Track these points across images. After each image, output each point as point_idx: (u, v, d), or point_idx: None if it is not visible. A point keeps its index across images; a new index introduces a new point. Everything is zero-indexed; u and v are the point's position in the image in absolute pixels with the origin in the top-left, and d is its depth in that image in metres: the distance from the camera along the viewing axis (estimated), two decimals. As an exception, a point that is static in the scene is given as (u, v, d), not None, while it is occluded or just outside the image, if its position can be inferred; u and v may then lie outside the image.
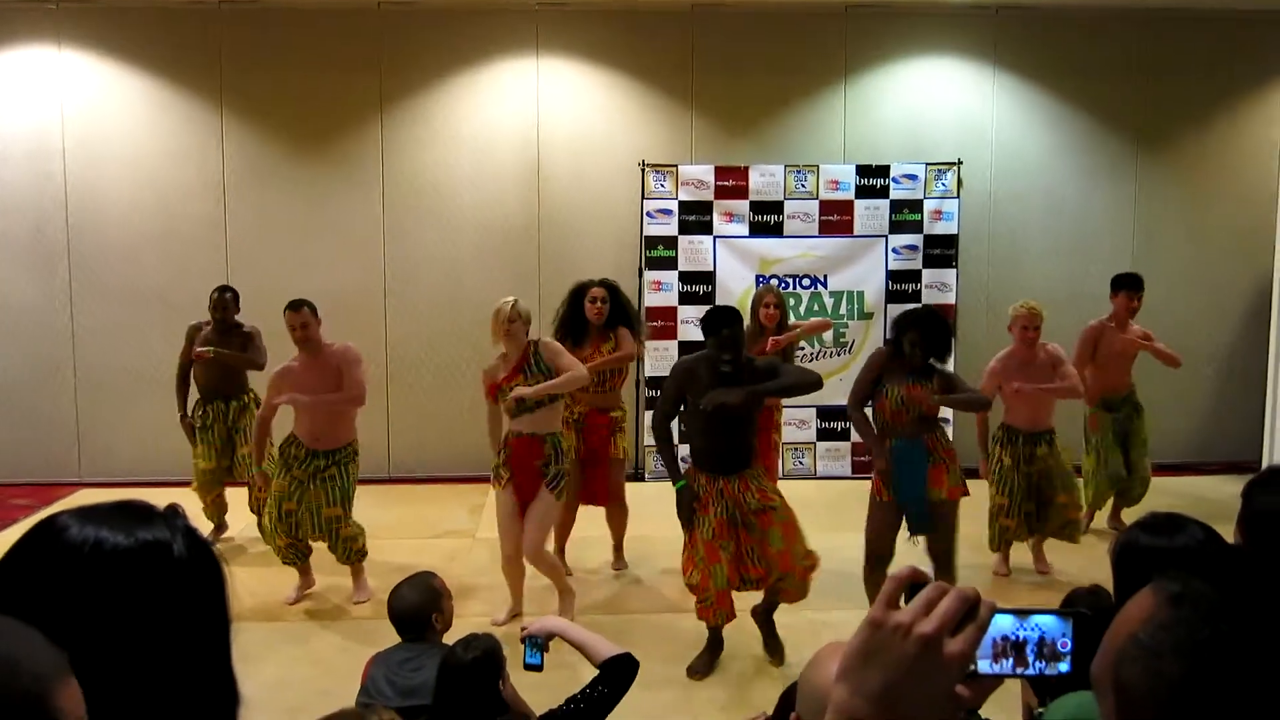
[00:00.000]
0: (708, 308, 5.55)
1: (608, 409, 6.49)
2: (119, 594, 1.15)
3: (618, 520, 6.69)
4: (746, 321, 5.94)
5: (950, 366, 8.29)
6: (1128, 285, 7.14)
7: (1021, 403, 6.37)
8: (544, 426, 5.68)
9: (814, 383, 5.24)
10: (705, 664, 5.31)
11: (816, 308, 8.93)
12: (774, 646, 5.42)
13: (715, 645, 5.37)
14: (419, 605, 3.73)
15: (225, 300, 7.08)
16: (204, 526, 7.11)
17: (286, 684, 4.97)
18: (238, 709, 1.24)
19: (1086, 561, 6.41)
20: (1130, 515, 7.10)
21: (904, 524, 5.58)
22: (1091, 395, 7.05)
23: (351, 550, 6.19)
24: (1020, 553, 6.66)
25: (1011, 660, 0.98)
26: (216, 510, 7.26)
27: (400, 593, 3.80)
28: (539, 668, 3.22)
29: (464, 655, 3.07)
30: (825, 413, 8.89)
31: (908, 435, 5.50)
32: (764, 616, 5.45)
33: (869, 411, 5.60)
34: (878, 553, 5.57)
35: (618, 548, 6.78)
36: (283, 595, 6.23)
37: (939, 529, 5.54)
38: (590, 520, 6.67)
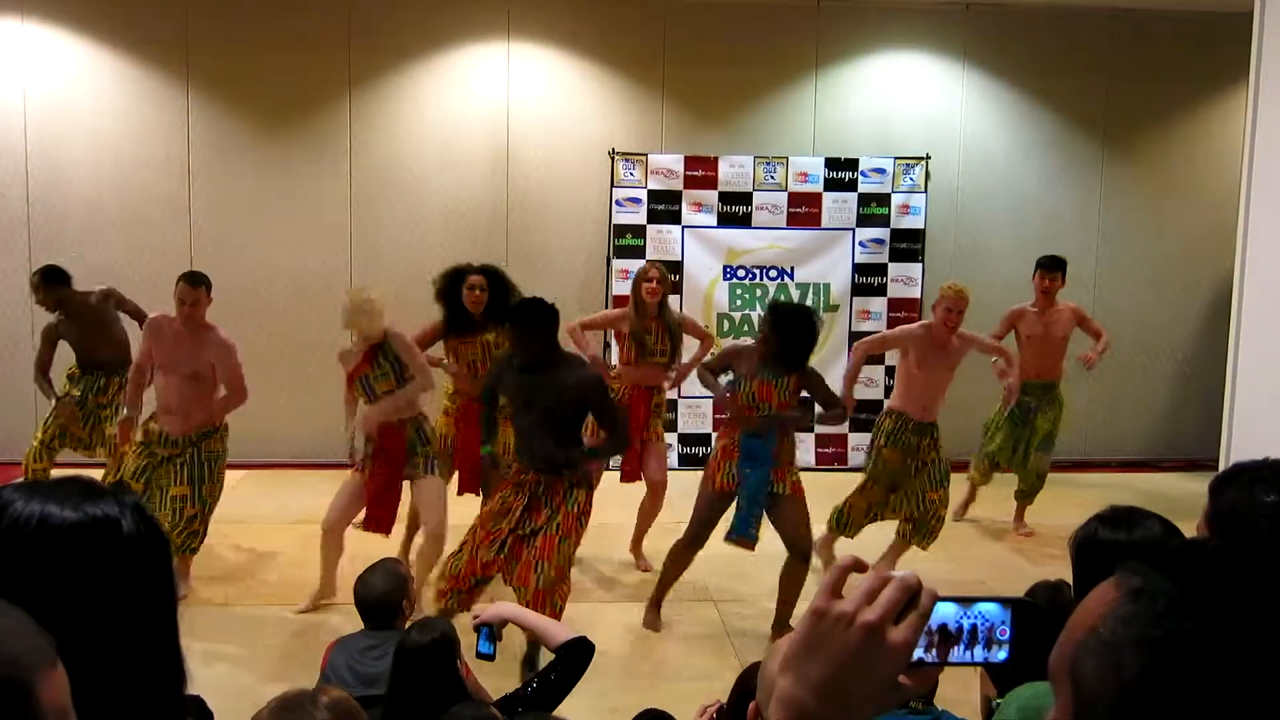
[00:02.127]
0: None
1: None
2: (65, 569, 1.13)
3: None
4: (615, 303, 5.86)
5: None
6: (1041, 265, 7.26)
7: (918, 389, 6.22)
8: (403, 412, 5.58)
9: (622, 445, 5.26)
10: None
11: (783, 299, 8.93)
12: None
13: None
14: (389, 591, 3.64)
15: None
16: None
17: (240, 668, 4.94)
18: (184, 685, 1.23)
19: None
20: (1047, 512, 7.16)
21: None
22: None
23: (185, 533, 5.77)
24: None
25: (952, 648, 0.98)
26: None
27: (370, 580, 3.70)
28: (491, 656, 3.19)
29: (420, 638, 3.04)
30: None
31: (757, 430, 5.42)
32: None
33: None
34: (695, 535, 5.55)
35: None
36: (237, 579, 6.15)
37: (787, 520, 5.46)
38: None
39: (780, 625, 5.39)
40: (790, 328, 5.36)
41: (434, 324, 6.29)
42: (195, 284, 5.78)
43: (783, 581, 5.46)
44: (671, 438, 8.62)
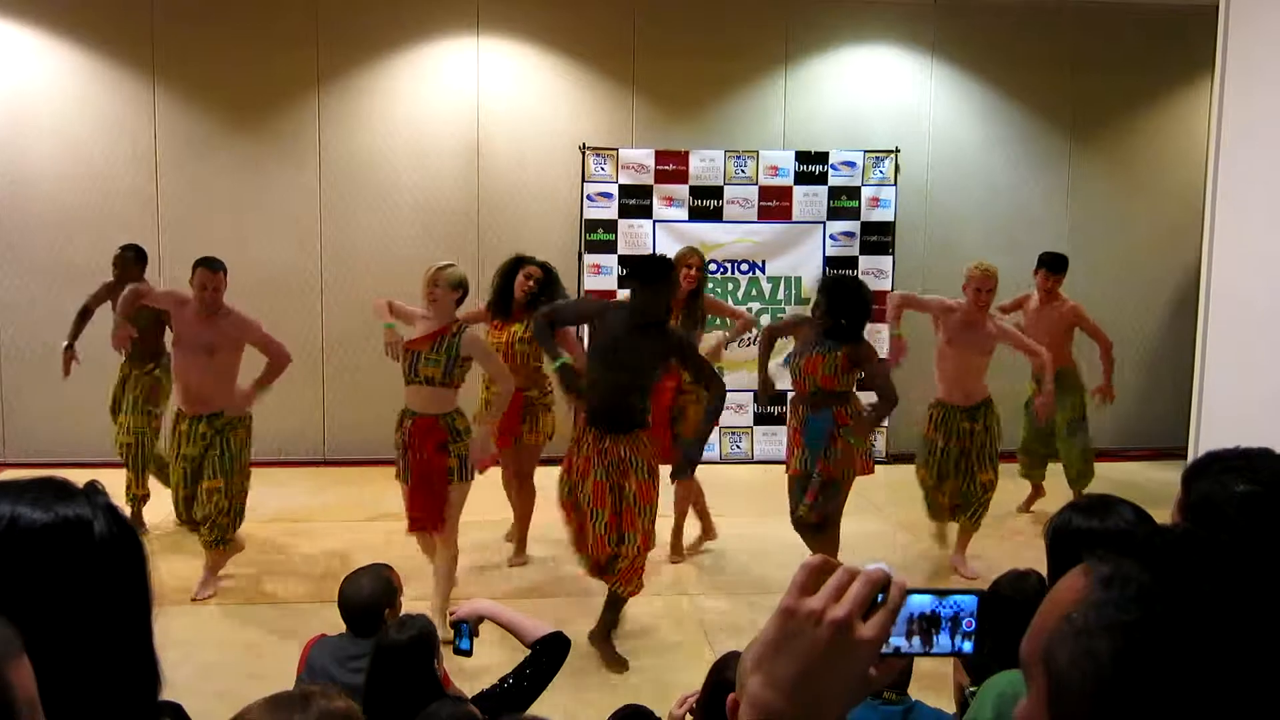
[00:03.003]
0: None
1: (524, 388, 6.25)
2: (36, 571, 1.12)
3: (523, 504, 6.56)
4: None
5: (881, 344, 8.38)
6: (1044, 264, 7.34)
7: (952, 371, 6.27)
8: (440, 406, 5.47)
9: (724, 395, 5.24)
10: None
11: (755, 293, 8.96)
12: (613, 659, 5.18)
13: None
14: (375, 595, 3.52)
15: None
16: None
17: (216, 668, 4.90)
18: (159, 689, 1.22)
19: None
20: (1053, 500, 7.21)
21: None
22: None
23: (216, 528, 5.80)
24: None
25: (920, 639, 0.98)
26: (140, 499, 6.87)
27: (358, 582, 3.57)
28: (468, 653, 3.19)
29: (399, 636, 3.02)
30: (762, 397, 8.94)
31: (813, 406, 5.51)
32: (603, 631, 5.19)
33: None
34: (798, 523, 5.60)
35: (520, 538, 6.61)
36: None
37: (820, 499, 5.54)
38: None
39: None
40: (837, 298, 5.40)
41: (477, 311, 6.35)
42: (215, 269, 5.82)
43: None
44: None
